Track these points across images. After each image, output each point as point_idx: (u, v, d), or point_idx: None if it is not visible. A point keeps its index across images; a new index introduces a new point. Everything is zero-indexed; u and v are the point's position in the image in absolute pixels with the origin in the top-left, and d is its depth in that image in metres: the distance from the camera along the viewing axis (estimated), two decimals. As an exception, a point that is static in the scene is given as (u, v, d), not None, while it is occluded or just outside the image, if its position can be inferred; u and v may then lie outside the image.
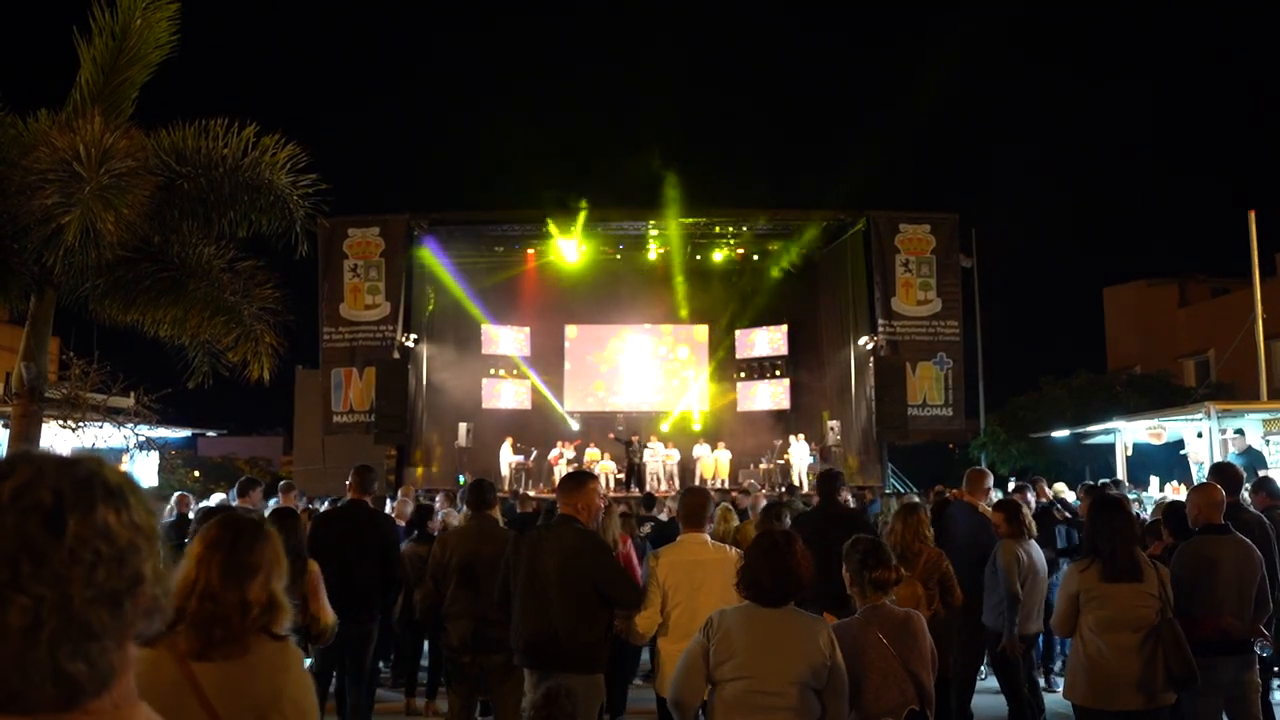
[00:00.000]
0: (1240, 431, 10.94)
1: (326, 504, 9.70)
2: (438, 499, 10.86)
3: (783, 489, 17.98)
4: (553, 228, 21.39)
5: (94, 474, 0.90)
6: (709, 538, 4.73)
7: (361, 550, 5.90)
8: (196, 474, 23.45)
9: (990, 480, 6.93)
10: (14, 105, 8.01)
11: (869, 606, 3.60)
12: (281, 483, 10.04)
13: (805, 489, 17.07)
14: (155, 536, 0.92)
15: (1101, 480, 10.70)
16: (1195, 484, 7.51)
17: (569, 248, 22.14)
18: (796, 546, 3.22)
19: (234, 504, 8.19)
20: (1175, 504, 5.66)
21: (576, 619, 4.31)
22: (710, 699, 3.22)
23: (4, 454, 0.95)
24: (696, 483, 19.33)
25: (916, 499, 9.43)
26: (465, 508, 6.18)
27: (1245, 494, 5.98)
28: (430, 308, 21.11)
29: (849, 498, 9.75)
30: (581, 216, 20.94)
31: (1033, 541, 5.95)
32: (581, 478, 4.82)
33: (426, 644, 7.75)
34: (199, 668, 2.06)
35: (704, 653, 3.15)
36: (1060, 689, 6.56)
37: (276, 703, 2.06)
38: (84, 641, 0.85)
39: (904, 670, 3.48)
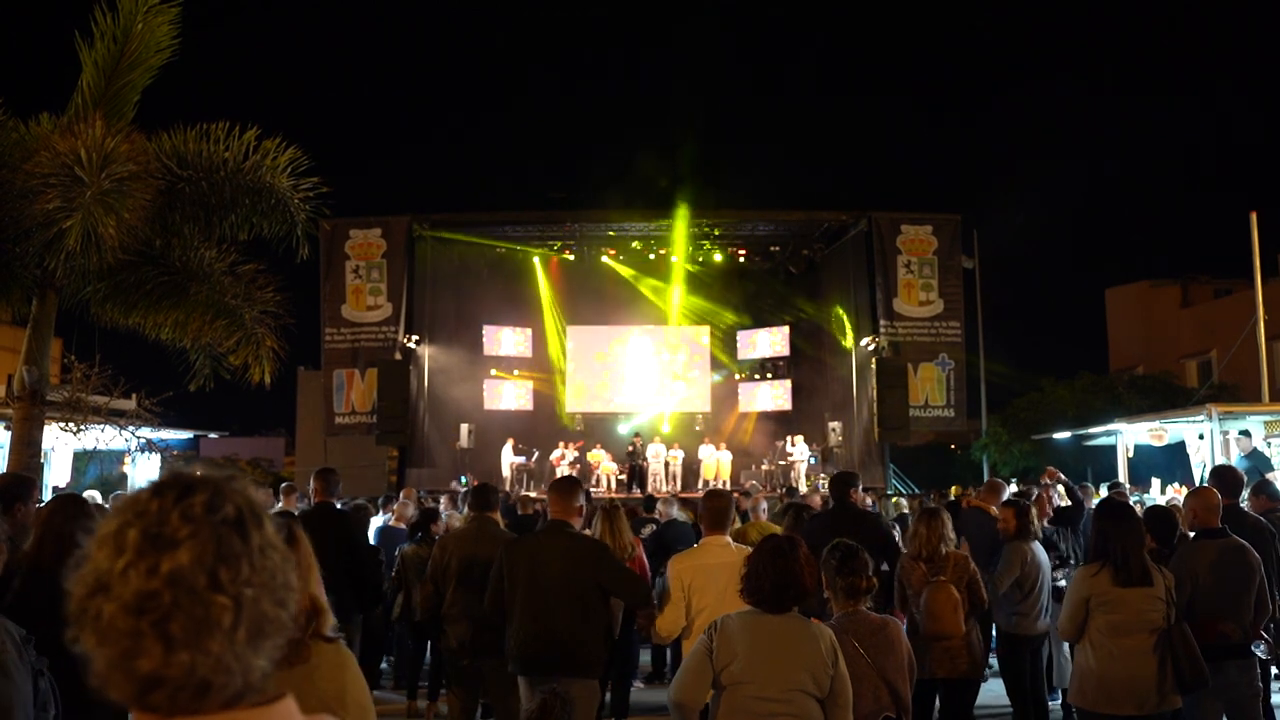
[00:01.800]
0: (1246, 433, 10.86)
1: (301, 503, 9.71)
2: (441, 500, 10.85)
3: (784, 490, 17.96)
4: (554, 229, 21.36)
5: (249, 491, 0.99)
6: (731, 540, 4.72)
7: (329, 553, 5.87)
8: (199, 476, 23.37)
9: (1005, 491, 7.21)
10: (16, 109, 8.03)
11: (844, 613, 3.56)
12: (283, 484, 10.00)
13: (804, 490, 17.03)
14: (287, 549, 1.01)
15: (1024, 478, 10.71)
16: (1196, 486, 7.49)
17: (570, 249, 22.06)
18: (800, 552, 3.17)
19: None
20: (1154, 509, 5.64)
21: (578, 623, 4.32)
22: (713, 704, 3.20)
23: (162, 473, 1.05)
24: (699, 484, 19.33)
25: (909, 501, 9.47)
26: (467, 509, 6.19)
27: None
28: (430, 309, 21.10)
29: (867, 500, 9.76)
30: (582, 218, 20.89)
31: (1036, 543, 5.95)
32: (571, 483, 4.90)
33: (430, 645, 7.74)
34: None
35: (708, 653, 3.12)
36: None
37: (341, 701, 2.16)
38: (267, 639, 0.94)
39: (878, 678, 3.45)
